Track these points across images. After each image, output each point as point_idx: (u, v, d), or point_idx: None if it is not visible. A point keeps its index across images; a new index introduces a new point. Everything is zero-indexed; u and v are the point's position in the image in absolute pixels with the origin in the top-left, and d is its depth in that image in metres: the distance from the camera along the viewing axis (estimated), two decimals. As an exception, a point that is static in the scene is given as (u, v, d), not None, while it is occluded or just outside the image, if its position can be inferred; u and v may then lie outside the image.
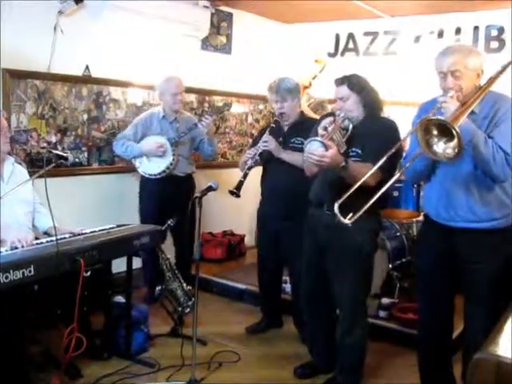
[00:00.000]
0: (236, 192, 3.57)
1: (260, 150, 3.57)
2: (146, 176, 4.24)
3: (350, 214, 2.30)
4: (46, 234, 3.20)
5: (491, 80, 2.43)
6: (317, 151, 2.56)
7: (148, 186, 4.28)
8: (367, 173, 2.59)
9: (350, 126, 2.86)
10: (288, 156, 3.52)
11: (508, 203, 2.48)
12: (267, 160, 3.65)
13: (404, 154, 2.80)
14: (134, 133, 4.24)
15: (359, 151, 2.84)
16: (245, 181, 3.58)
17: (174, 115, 4.28)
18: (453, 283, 2.67)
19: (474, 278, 2.53)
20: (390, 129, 2.90)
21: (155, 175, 4.20)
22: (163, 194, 4.21)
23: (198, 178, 4.86)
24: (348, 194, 2.39)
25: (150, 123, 4.26)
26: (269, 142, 3.55)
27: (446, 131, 2.13)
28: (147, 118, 4.28)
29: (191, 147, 4.41)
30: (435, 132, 2.17)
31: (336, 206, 2.31)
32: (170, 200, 4.19)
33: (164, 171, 4.17)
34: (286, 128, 3.65)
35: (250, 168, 3.59)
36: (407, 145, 2.79)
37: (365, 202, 2.33)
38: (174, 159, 4.17)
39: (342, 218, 2.29)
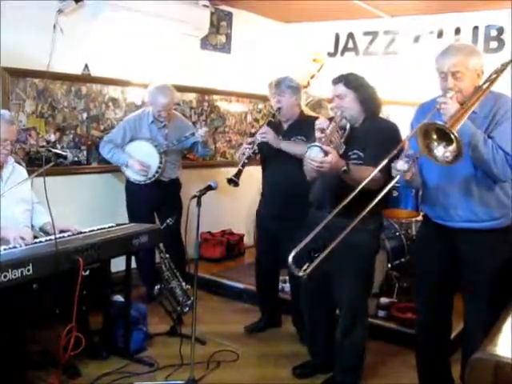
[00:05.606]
0: (235, 180, 3.46)
1: (258, 141, 3.51)
2: (131, 180, 4.24)
3: (306, 265, 2.23)
4: (42, 230, 3.19)
5: (491, 80, 2.41)
6: (317, 157, 2.54)
7: (132, 189, 4.28)
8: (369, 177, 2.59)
9: (348, 125, 2.85)
10: (287, 146, 3.47)
11: (507, 203, 2.47)
12: (267, 155, 3.61)
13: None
14: (123, 136, 4.20)
15: (360, 153, 2.82)
16: (243, 169, 3.49)
17: (163, 122, 4.24)
18: (452, 283, 2.67)
19: (474, 278, 2.52)
20: (392, 131, 2.87)
21: (140, 181, 4.21)
22: (147, 198, 4.21)
23: (196, 177, 4.87)
24: (305, 241, 2.30)
25: (140, 127, 4.22)
26: (266, 133, 3.49)
27: (445, 135, 2.12)
28: (136, 121, 4.24)
29: (181, 153, 4.44)
30: (434, 136, 2.15)
31: (290, 257, 2.23)
32: (155, 204, 4.25)
33: (150, 178, 4.18)
34: (286, 126, 3.63)
35: (248, 158, 3.50)
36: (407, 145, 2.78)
37: (366, 204, 2.31)
38: (159, 167, 4.17)
39: (296, 271, 2.22)
